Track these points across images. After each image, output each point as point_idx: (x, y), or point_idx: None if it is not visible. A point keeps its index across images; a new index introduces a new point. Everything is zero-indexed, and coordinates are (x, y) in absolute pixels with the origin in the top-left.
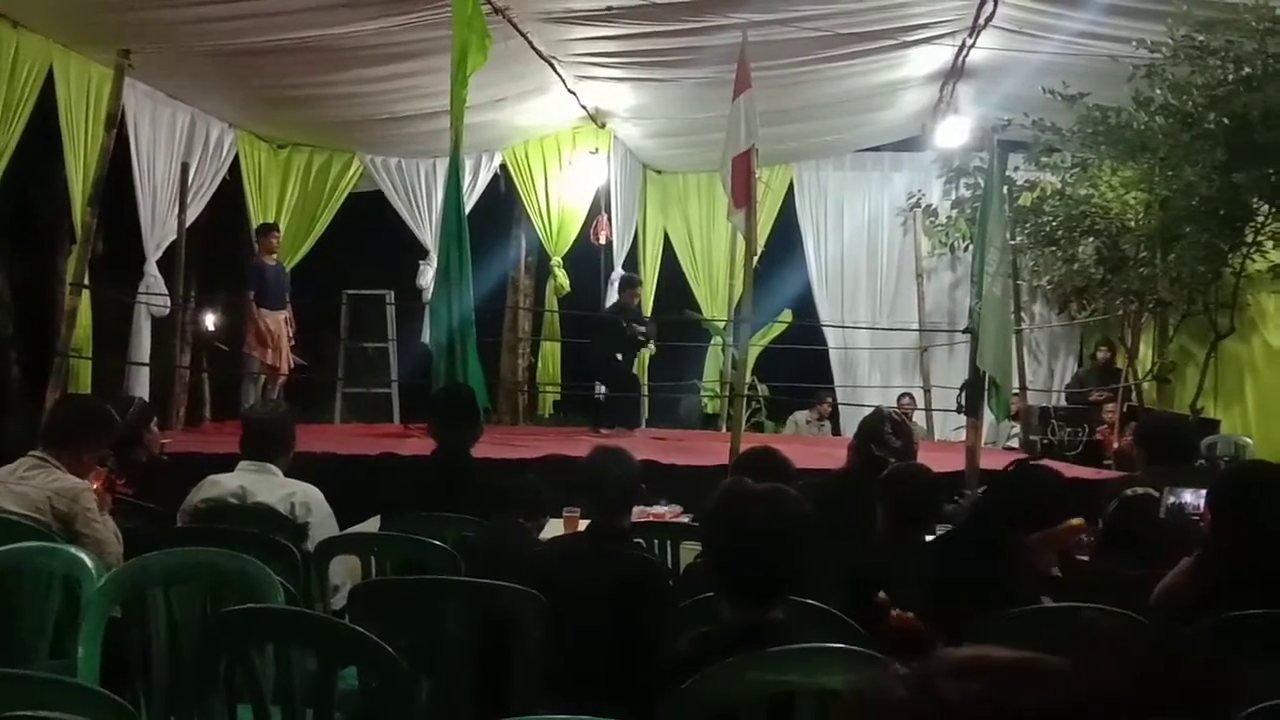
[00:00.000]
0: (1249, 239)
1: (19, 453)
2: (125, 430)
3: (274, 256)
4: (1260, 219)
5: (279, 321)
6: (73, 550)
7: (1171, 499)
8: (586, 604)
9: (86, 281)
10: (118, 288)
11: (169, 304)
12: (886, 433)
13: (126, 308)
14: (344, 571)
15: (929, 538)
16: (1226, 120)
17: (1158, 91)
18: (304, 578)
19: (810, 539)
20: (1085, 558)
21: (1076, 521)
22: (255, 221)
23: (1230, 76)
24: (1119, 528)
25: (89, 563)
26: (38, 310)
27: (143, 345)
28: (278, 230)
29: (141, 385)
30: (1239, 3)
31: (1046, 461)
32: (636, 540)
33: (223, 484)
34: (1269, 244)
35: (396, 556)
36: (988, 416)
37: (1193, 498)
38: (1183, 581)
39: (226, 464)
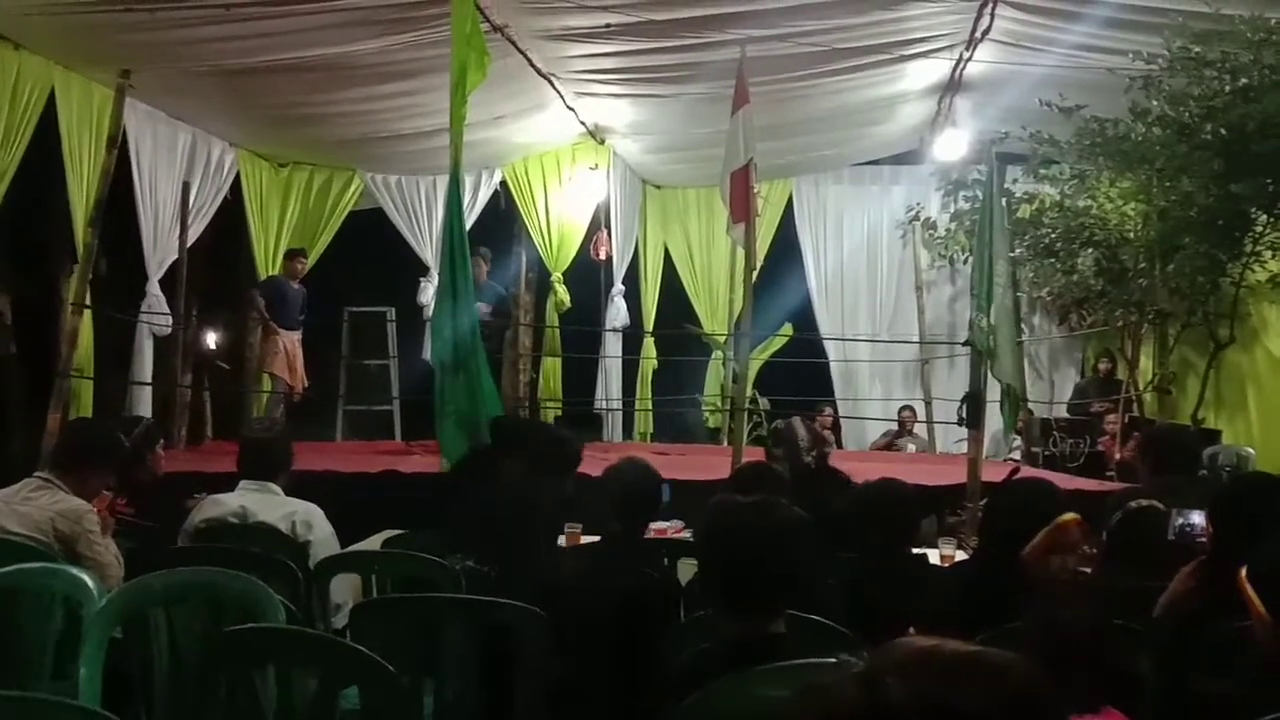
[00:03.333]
0: (1248, 249)
1: (21, 473)
2: (129, 450)
3: (296, 280)
4: (1259, 229)
5: (294, 342)
6: (74, 571)
7: (1180, 520)
8: (591, 619)
9: (88, 301)
10: (120, 307)
11: (171, 323)
12: (799, 441)
13: (128, 327)
14: (346, 590)
15: (919, 551)
16: (1224, 131)
17: (1155, 103)
18: (305, 596)
19: (801, 546)
20: (1088, 569)
21: (1068, 518)
22: (256, 240)
23: (1227, 88)
24: (1123, 540)
25: (90, 583)
26: (39, 331)
27: (145, 365)
28: (304, 255)
29: (144, 405)
30: (1234, 15)
31: (1035, 472)
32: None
33: (224, 504)
34: (1268, 254)
35: (397, 574)
36: (989, 429)
37: (1200, 519)
38: (1184, 594)
39: (228, 483)
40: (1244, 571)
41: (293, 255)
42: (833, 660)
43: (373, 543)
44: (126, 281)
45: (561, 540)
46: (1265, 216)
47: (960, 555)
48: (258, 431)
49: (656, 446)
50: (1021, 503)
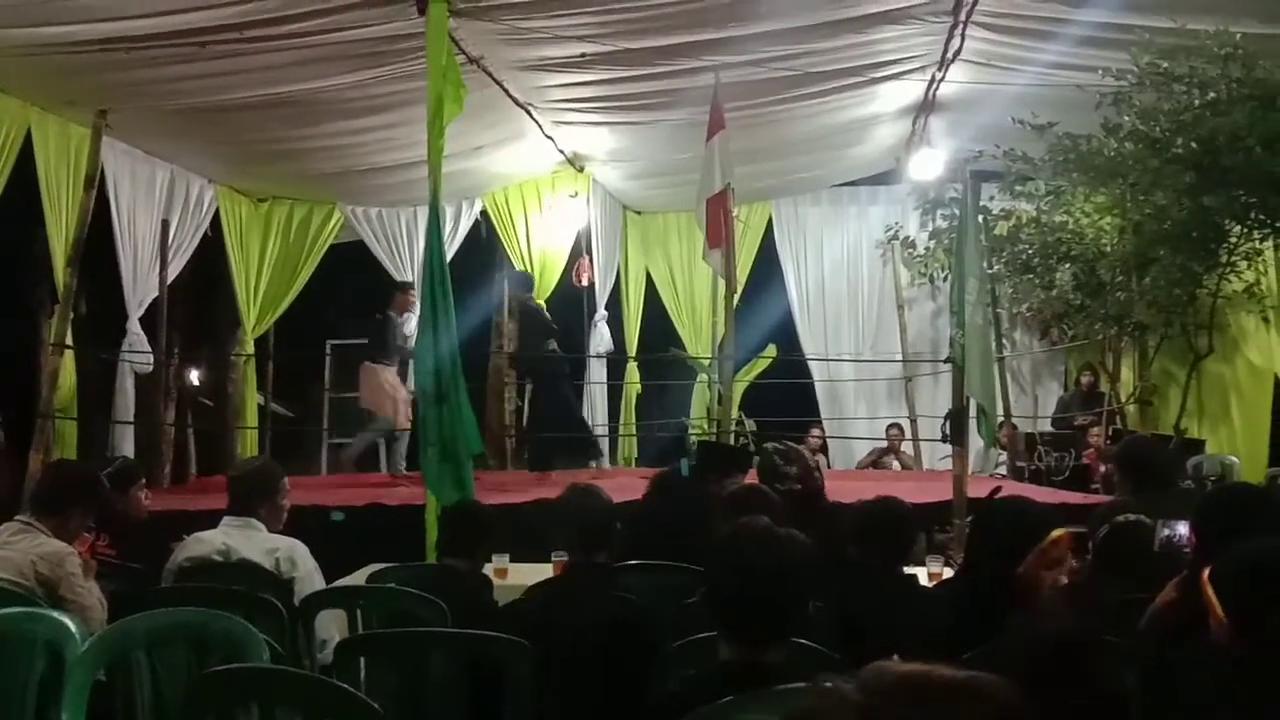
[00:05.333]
0: (1222, 260)
1: (5, 516)
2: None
3: (407, 314)
4: (1232, 240)
5: (394, 375)
6: (56, 615)
7: (1166, 531)
8: (577, 648)
9: (69, 341)
10: (101, 347)
11: (152, 361)
12: (781, 467)
13: (110, 366)
14: (332, 625)
15: (909, 570)
16: (1194, 144)
17: (1126, 118)
18: (291, 633)
19: (809, 579)
20: (1072, 582)
21: (1058, 533)
22: (237, 275)
23: (1196, 102)
24: (1110, 554)
25: (73, 627)
26: (20, 372)
27: (127, 403)
28: (414, 287)
29: (127, 444)
30: (1200, 30)
31: (1021, 486)
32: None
33: (207, 542)
34: (1242, 264)
35: (383, 610)
36: (974, 445)
37: (1185, 530)
38: (1168, 606)
39: (214, 522)
40: (1206, 573)
41: (405, 289)
42: (810, 684)
43: (358, 577)
44: (107, 320)
45: (549, 569)
46: (1238, 227)
47: (948, 572)
48: (238, 467)
49: (642, 471)
50: (1009, 521)
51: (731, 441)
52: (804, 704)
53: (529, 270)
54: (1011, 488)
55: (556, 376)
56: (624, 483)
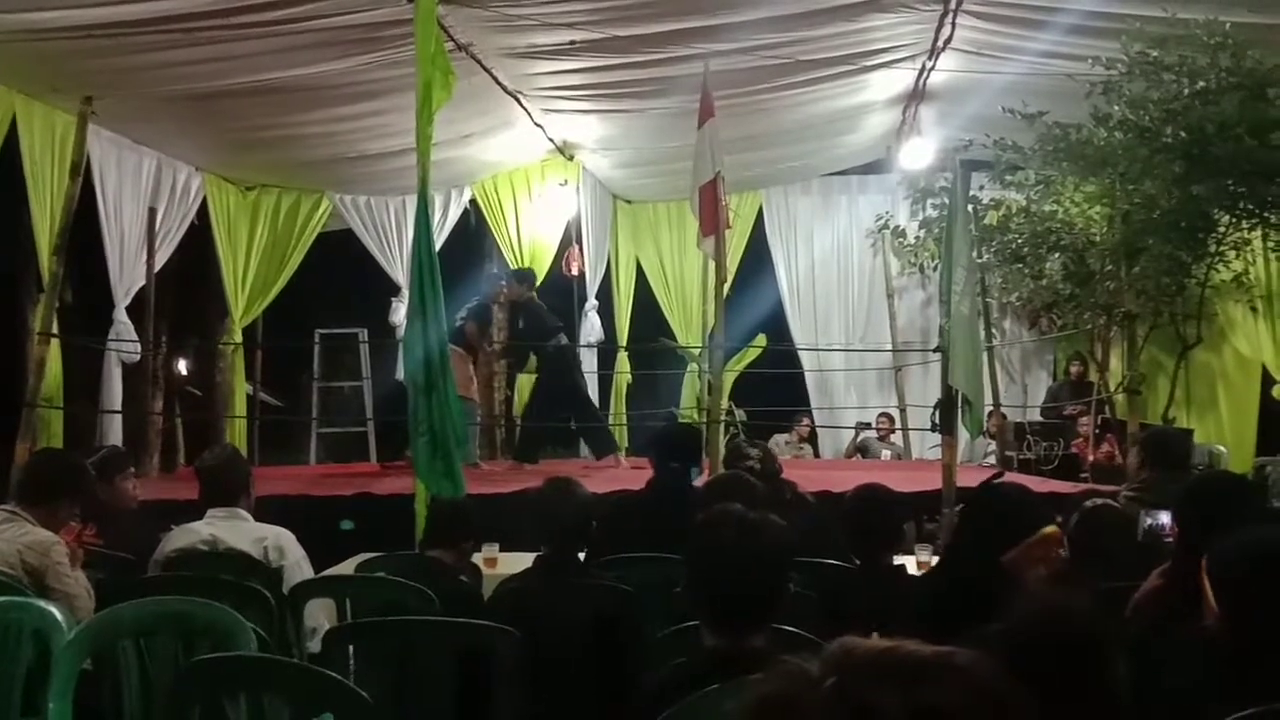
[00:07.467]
0: (1211, 249)
1: None
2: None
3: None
4: (1221, 229)
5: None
6: (43, 604)
7: (1149, 520)
8: (561, 638)
9: (55, 330)
10: (87, 336)
11: (139, 350)
12: (744, 448)
13: (96, 355)
14: (321, 614)
15: (899, 561)
16: (1184, 133)
17: (1115, 108)
18: (279, 622)
19: (789, 565)
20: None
21: (1050, 530)
22: (225, 264)
23: (1185, 91)
24: (1079, 541)
25: (59, 616)
26: (5, 361)
27: (114, 393)
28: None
29: (114, 433)
30: (1190, 19)
31: (1011, 476)
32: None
33: (194, 532)
34: (1231, 254)
35: (371, 598)
36: (963, 434)
37: (1168, 519)
38: (1152, 594)
39: (203, 510)
40: (1205, 561)
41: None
42: (771, 666)
43: (347, 566)
44: (93, 309)
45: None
46: (1227, 217)
47: (936, 561)
48: (209, 459)
49: (634, 461)
50: (1011, 508)
51: (721, 432)
52: (765, 689)
53: (521, 263)
54: (1008, 479)
55: (571, 370)
56: (619, 474)
